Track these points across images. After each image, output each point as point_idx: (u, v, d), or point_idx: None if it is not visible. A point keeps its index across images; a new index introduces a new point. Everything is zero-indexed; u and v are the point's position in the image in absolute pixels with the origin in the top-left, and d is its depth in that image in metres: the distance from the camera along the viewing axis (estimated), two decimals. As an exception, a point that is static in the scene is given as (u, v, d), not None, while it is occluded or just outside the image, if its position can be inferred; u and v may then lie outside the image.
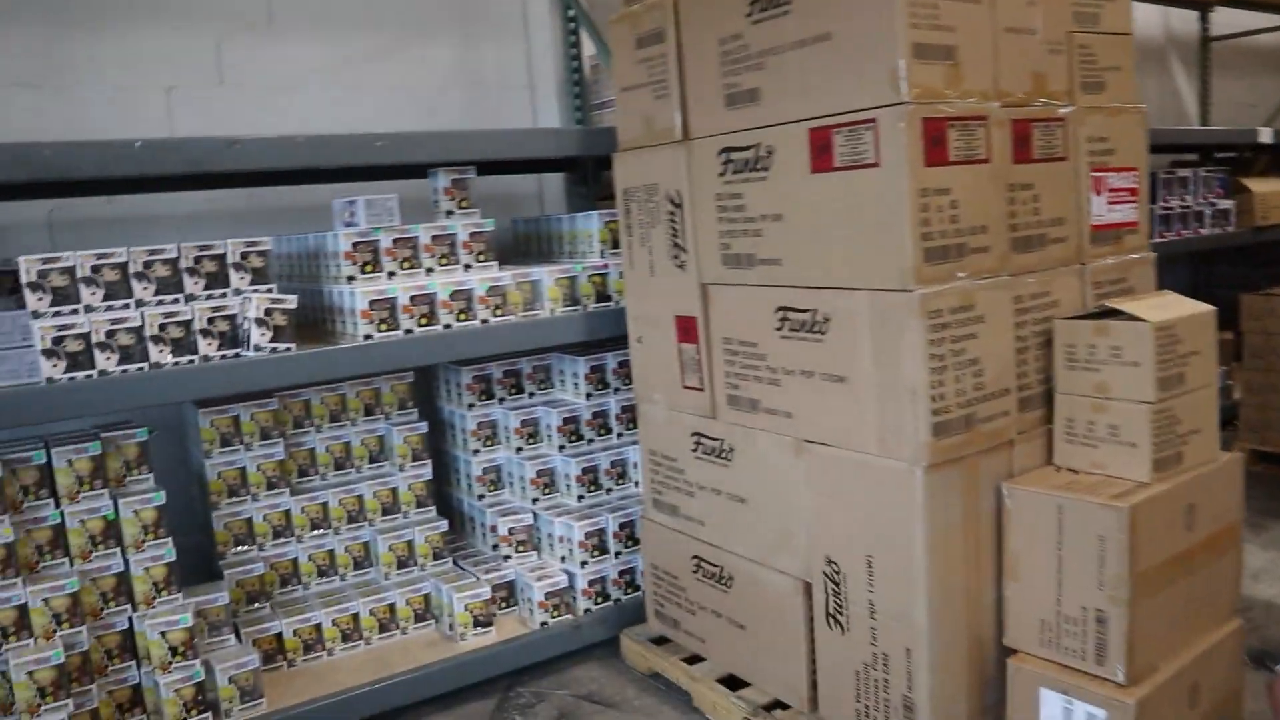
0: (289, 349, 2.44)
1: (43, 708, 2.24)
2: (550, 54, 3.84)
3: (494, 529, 3.05)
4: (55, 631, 2.31)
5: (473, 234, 2.79)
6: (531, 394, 3.20)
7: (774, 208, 2.21)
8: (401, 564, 2.97)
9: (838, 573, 2.19)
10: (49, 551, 2.37)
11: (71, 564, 2.39)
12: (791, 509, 2.30)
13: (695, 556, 2.63)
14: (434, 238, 2.73)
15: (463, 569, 3.01)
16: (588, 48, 3.83)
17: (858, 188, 2.00)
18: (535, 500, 3.06)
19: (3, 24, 2.94)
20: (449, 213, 2.84)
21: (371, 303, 2.56)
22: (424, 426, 3.04)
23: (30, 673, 2.24)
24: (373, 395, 3.02)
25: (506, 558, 3.03)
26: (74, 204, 3.02)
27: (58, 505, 2.38)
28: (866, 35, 1.93)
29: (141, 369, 2.30)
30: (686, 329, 2.54)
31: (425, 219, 2.79)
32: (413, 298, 2.62)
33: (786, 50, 2.12)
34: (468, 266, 2.78)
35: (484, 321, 2.73)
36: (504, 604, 2.99)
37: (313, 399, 2.93)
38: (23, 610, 2.29)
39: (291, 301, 2.44)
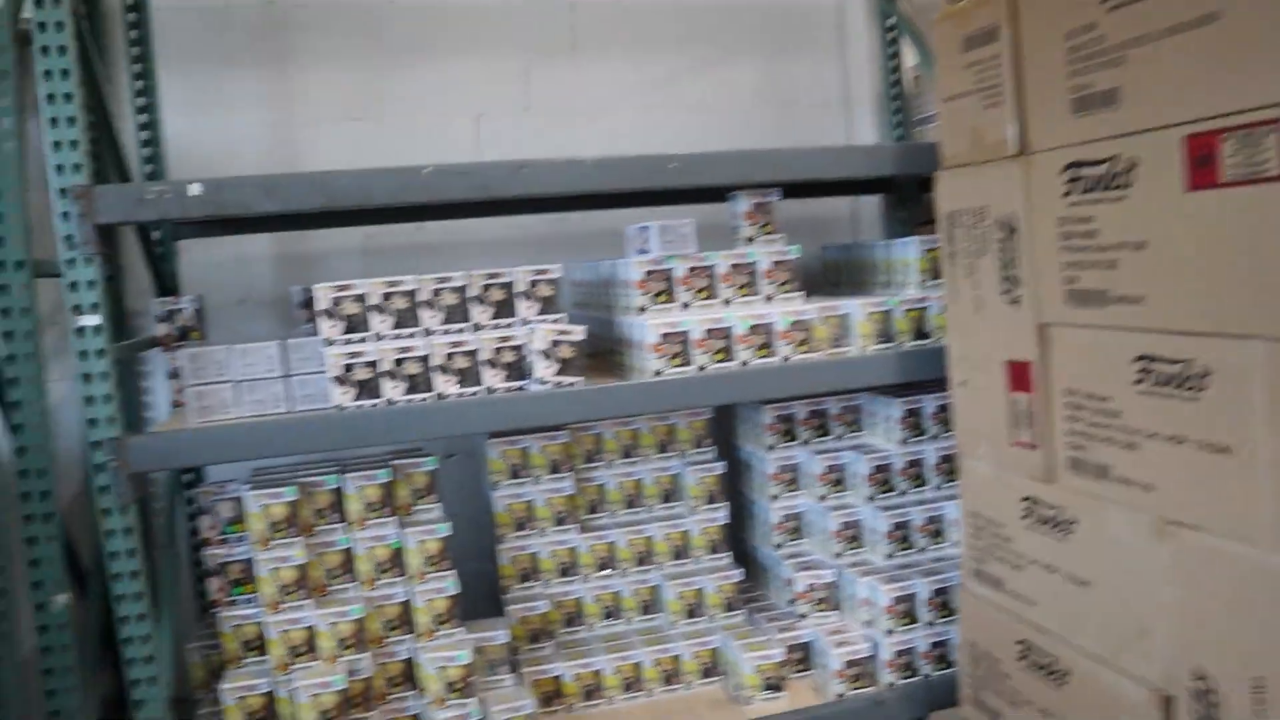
0: (574, 383, 2.30)
1: (323, 734, 2.23)
2: (867, 67, 3.53)
3: (790, 583, 2.78)
4: (339, 656, 2.30)
5: (776, 262, 2.54)
6: (839, 437, 2.90)
7: (1135, 233, 1.79)
8: (690, 613, 2.76)
9: (1210, 691, 1.72)
10: (337, 576, 2.37)
11: (359, 588, 2.38)
12: (1148, 602, 1.85)
13: (1022, 641, 2.22)
14: (733, 266, 2.51)
15: (755, 625, 2.76)
16: (909, 58, 3.48)
17: (1253, 208, 1.55)
18: (838, 555, 2.76)
19: (334, 62, 3.06)
20: (749, 239, 2.61)
21: (663, 336, 2.38)
22: (720, 467, 2.83)
23: (315, 695, 2.23)
24: (667, 431, 2.85)
25: (803, 616, 2.75)
26: (385, 231, 3.09)
27: (347, 531, 2.38)
28: (1272, 10, 1.49)
29: (426, 399, 2.25)
30: (1018, 375, 2.14)
31: (724, 246, 2.58)
32: (708, 331, 2.41)
33: (1156, 39, 1.70)
34: (769, 298, 2.53)
35: (785, 359, 2.47)
36: (798, 667, 2.71)
37: (604, 433, 2.80)
38: (310, 633, 2.30)
39: (578, 333, 2.31)
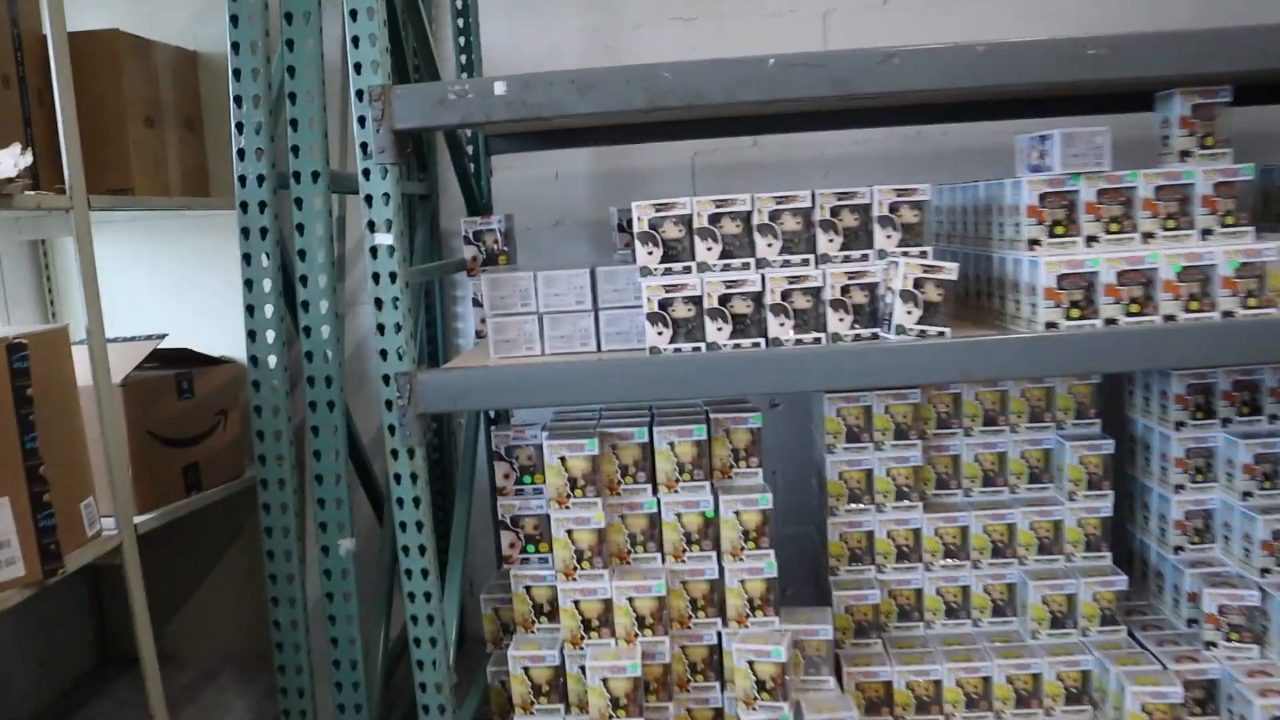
0: (940, 334, 1.82)
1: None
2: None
3: (1194, 598, 2.17)
4: (637, 635, 1.99)
5: (1219, 185, 1.91)
6: (1273, 418, 2.22)
7: None
8: (1056, 622, 2.22)
9: None
10: (640, 543, 2.05)
11: (663, 560, 2.06)
12: None
13: None
14: (1158, 190, 1.91)
15: (1142, 647, 2.18)
16: None
17: None
18: (1266, 572, 2.11)
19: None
20: (1184, 154, 1.98)
21: (1060, 278, 1.83)
22: (1108, 445, 2.24)
23: (606, 679, 1.94)
24: (1042, 396, 2.29)
25: (1210, 646, 2.14)
26: (716, 147, 2.70)
27: (655, 493, 2.05)
28: None
29: (757, 345, 1.85)
30: None
31: (1144, 164, 1.98)
32: (1121, 274, 1.84)
33: None
34: (1207, 233, 1.91)
35: (1227, 314, 1.85)
36: (1197, 711, 2.11)
37: (963, 393, 2.29)
38: (607, 606, 2.00)
39: (950, 271, 1.81)
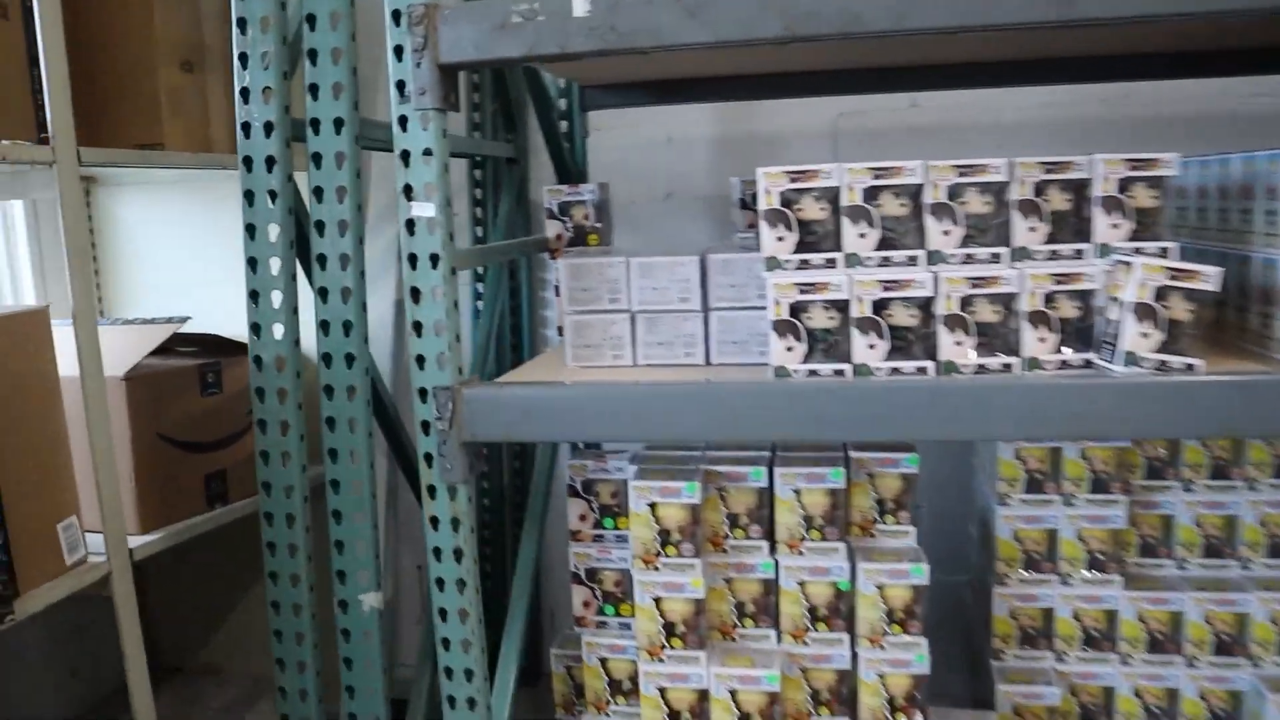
0: (1189, 368, 1.28)
1: None
2: None
3: None
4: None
5: None
6: None
7: None
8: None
9: None
10: (751, 617, 1.58)
11: (778, 640, 1.58)
12: None
13: None
14: None
15: None
16: None
17: None
18: None
19: None
20: None
21: (1369, 293, 1.28)
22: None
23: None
24: (1291, 445, 1.73)
25: None
26: (867, 107, 2.19)
27: (772, 553, 1.57)
28: None
29: (923, 371, 1.34)
30: None
31: None
32: None
33: None
34: None
35: None
36: None
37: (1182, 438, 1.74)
38: (703, 697, 1.53)
39: (1211, 278, 1.28)
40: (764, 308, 1.42)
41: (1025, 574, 1.73)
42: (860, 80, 2.01)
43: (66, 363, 1.57)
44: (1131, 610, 1.72)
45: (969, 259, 1.36)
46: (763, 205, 1.36)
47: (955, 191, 1.35)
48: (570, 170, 2.15)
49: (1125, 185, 1.35)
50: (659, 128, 2.28)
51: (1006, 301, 1.33)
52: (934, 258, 1.36)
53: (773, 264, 1.36)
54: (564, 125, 2.16)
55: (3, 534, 1.44)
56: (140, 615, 2.57)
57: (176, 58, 1.95)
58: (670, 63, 1.74)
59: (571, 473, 1.68)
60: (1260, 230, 1.49)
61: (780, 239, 1.36)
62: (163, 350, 1.91)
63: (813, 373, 1.35)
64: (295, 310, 1.52)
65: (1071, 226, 1.37)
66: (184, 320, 1.89)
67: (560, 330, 1.83)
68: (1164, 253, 1.34)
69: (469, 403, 1.35)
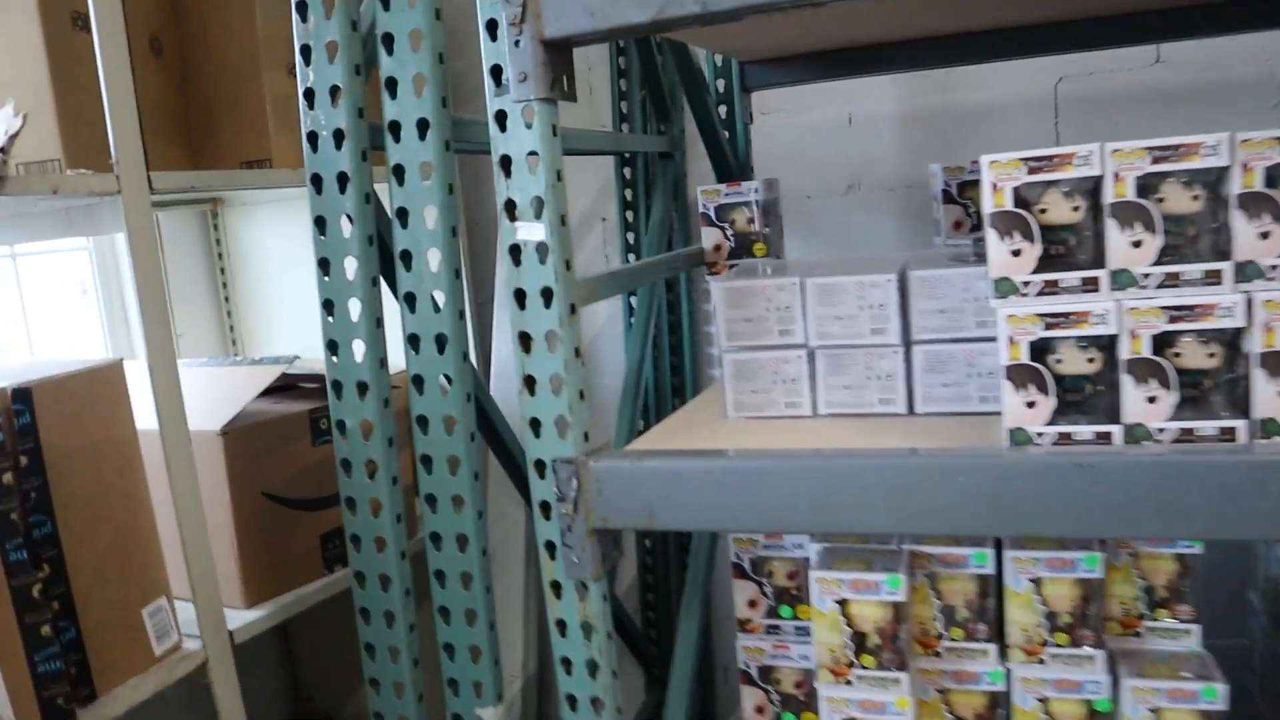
0: None
1: None
2: None
3: None
4: None
5: None
6: None
7: None
8: None
9: None
10: (978, 746, 1.20)
11: (1017, 772, 1.20)
12: None
13: None
14: None
15: None
16: None
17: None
18: None
19: None
20: None
21: None
22: None
23: None
24: None
25: None
26: (1094, 67, 1.76)
27: (1003, 659, 1.19)
28: None
29: (1228, 433, 0.94)
30: None
31: None
32: None
33: None
34: None
35: None
36: None
37: None
38: None
39: None
40: (987, 339, 1.05)
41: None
42: (1088, 32, 1.58)
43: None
44: None
45: (1298, 271, 0.95)
46: (989, 206, 0.98)
47: (1273, 175, 0.94)
48: (730, 164, 1.80)
49: None
50: (837, 107, 1.91)
51: (1357, 331, 0.91)
52: (1245, 272, 0.95)
53: (1006, 287, 0.98)
54: (722, 111, 1.82)
55: (74, 630, 1.23)
56: (285, 662, 2.41)
57: (282, 59, 1.73)
58: (848, 21, 1.38)
59: (737, 548, 1.34)
60: None
61: (1016, 252, 0.98)
62: (278, 390, 1.70)
63: (1065, 437, 0.97)
64: (384, 363, 1.24)
65: None
66: (292, 360, 1.66)
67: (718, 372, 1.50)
68: None
69: (598, 479, 1.04)
